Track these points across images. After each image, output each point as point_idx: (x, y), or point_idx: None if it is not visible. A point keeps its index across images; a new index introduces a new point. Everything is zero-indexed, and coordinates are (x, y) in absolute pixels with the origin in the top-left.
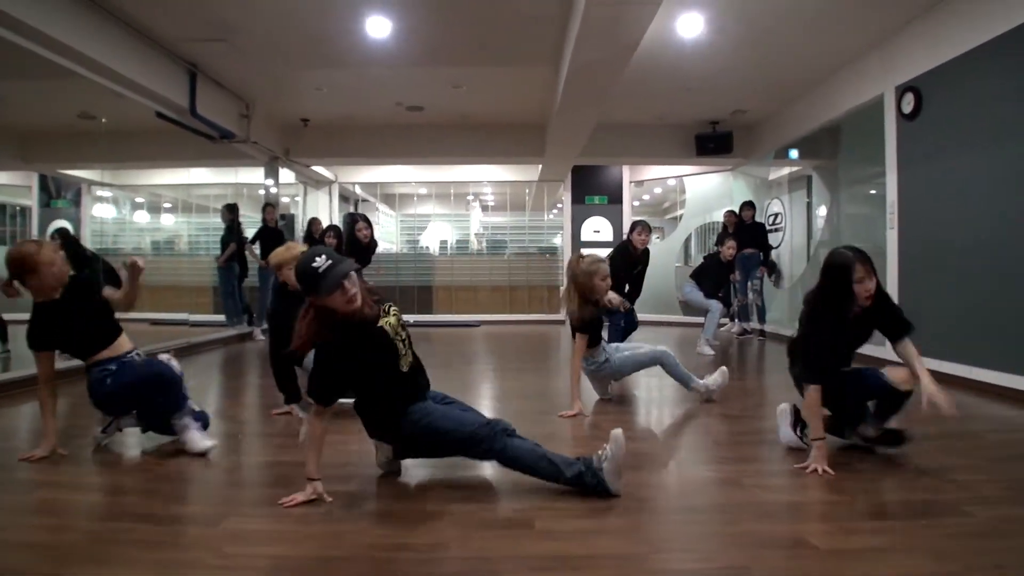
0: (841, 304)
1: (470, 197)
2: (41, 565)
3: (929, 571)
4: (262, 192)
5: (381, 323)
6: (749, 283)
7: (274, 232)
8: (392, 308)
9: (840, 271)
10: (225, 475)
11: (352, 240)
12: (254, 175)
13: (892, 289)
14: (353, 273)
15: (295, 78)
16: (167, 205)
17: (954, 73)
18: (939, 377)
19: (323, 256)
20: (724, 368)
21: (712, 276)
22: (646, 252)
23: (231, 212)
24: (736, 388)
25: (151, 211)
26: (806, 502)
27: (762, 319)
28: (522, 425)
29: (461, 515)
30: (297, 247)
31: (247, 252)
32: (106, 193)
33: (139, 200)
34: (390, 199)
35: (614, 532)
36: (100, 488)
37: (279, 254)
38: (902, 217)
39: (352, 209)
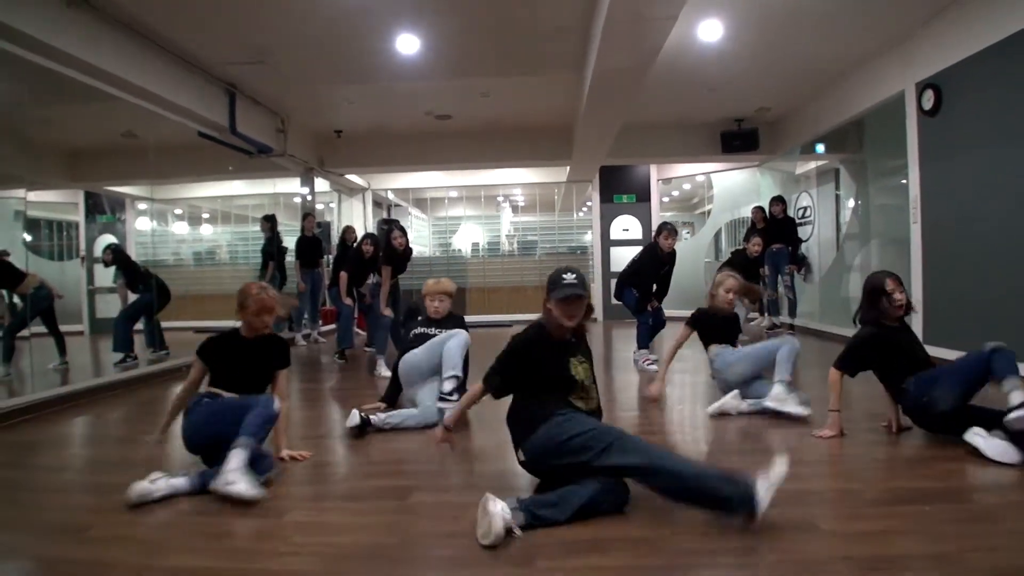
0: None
1: (500, 199)
2: (128, 556)
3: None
4: (297, 200)
5: (571, 360)
6: (780, 277)
7: (312, 241)
8: (582, 360)
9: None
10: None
11: (389, 248)
12: (290, 185)
13: (916, 281)
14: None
15: (328, 93)
16: (206, 216)
17: (974, 69)
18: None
19: (574, 275)
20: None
21: (738, 272)
22: (673, 254)
23: (270, 223)
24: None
25: (191, 223)
26: (817, 489)
27: (792, 313)
28: None
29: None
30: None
31: (284, 261)
32: (147, 206)
33: (178, 212)
34: (422, 203)
35: (630, 515)
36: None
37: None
38: (925, 211)
39: (385, 214)
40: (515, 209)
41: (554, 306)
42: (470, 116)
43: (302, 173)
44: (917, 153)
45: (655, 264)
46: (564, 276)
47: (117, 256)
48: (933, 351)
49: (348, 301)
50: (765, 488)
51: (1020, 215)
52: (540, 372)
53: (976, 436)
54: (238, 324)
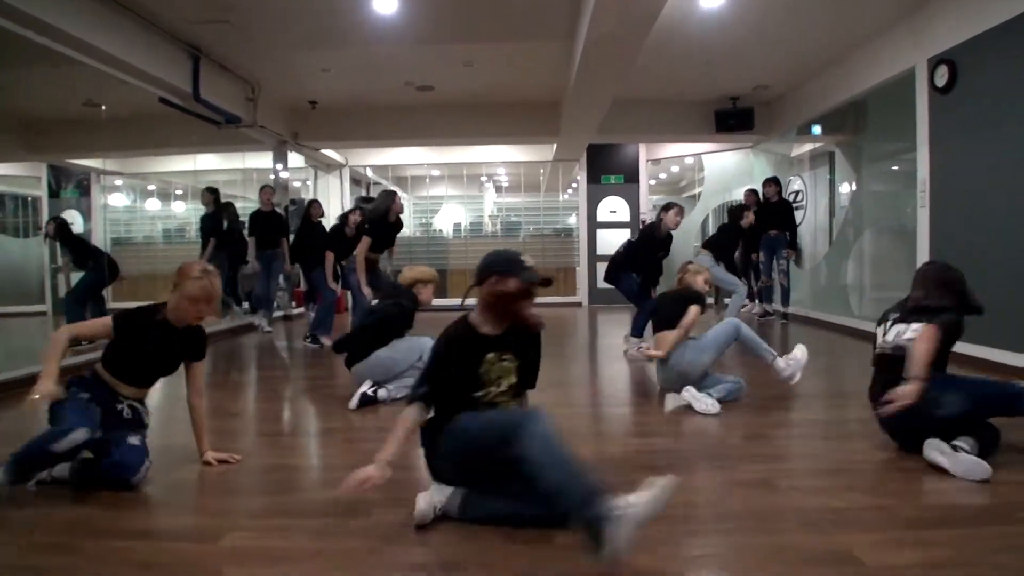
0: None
1: (483, 178)
2: None
3: None
4: (272, 177)
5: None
6: (776, 263)
7: (269, 216)
8: (505, 359)
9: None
10: (222, 481)
11: (384, 215)
12: (264, 160)
13: None
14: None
15: (301, 59)
16: (179, 192)
17: (991, 44)
18: (972, 362)
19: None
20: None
21: (724, 245)
22: (669, 237)
23: (213, 195)
24: (761, 376)
25: (162, 199)
26: (849, 508)
27: (786, 301)
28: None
29: (480, 531)
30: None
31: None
32: (116, 182)
33: (150, 188)
34: (402, 182)
35: (640, 545)
36: (85, 501)
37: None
38: (934, 195)
39: (364, 192)
40: (499, 189)
41: (513, 287)
42: (453, 88)
43: (274, 146)
44: (928, 133)
45: (654, 246)
46: (524, 258)
47: (60, 230)
48: None
49: (334, 286)
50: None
51: None
52: (454, 373)
53: (936, 453)
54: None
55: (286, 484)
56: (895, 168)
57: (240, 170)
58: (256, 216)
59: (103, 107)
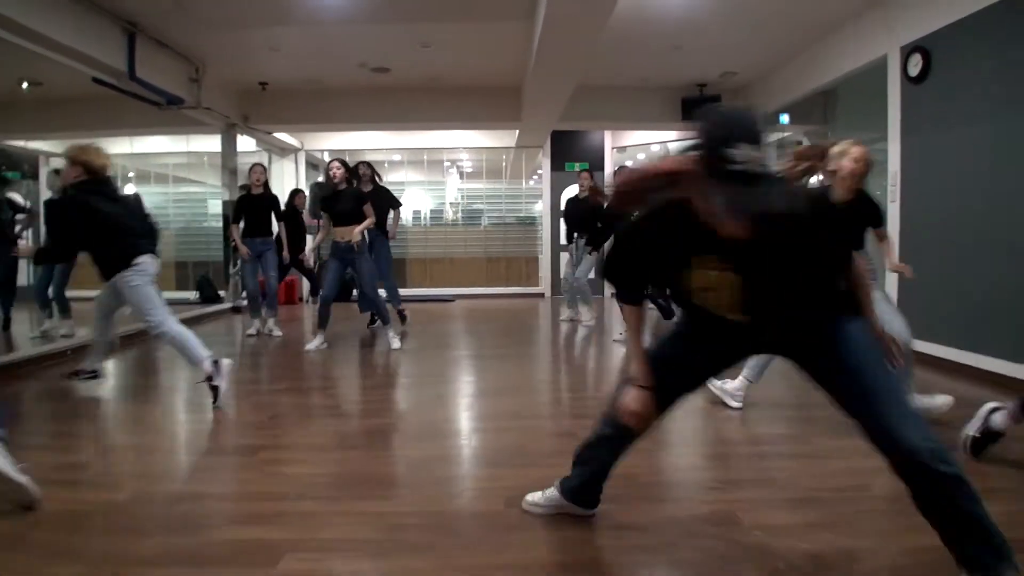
0: None
1: (446, 163)
2: None
3: None
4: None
5: None
6: None
7: (262, 199)
8: None
9: None
10: (111, 513)
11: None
12: (213, 142)
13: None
14: None
15: (248, 38)
16: (131, 175)
17: (967, 33)
18: (943, 365)
19: None
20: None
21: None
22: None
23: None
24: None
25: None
26: (825, 553)
27: None
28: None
29: None
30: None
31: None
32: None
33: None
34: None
35: None
36: None
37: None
38: (905, 188)
39: (321, 177)
40: (461, 175)
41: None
42: (410, 70)
43: (223, 129)
44: (899, 124)
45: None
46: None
47: None
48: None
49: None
50: None
51: (1011, 192)
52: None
53: None
54: None
55: (188, 520)
56: None
57: (191, 153)
58: (245, 200)
59: (41, 85)
